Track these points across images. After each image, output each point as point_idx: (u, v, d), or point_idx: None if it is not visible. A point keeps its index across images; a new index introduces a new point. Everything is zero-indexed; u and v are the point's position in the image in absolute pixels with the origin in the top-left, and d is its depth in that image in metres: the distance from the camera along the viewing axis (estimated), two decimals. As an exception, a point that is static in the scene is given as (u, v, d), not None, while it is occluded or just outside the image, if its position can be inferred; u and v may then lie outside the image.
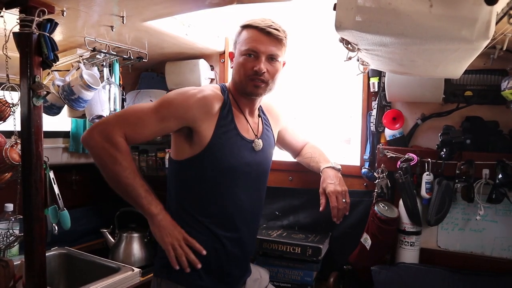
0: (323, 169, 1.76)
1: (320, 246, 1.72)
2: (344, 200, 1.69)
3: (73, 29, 1.67)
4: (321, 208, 1.71)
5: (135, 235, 2.14)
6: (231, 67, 1.50)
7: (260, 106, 1.61)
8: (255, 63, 1.40)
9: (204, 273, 1.43)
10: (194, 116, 1.39)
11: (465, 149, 1.60)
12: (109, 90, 2.00)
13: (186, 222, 1.45)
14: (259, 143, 1.51)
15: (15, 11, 1.34)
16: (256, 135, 1.53)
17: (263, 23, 1.39)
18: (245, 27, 1.43)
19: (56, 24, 1.42)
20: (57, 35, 1.68)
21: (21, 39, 1.35)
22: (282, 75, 1.50)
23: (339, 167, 1.78)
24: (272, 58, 1.42)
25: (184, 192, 1.47)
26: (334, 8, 0.99)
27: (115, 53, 1.87)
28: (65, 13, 1.43)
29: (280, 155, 1.96)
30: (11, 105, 1.54)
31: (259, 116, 1.58)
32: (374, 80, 1.81)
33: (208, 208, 1.45)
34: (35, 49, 1.36)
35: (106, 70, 1.98)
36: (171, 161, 1.53)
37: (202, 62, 2.23)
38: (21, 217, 1.56)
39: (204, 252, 1.42)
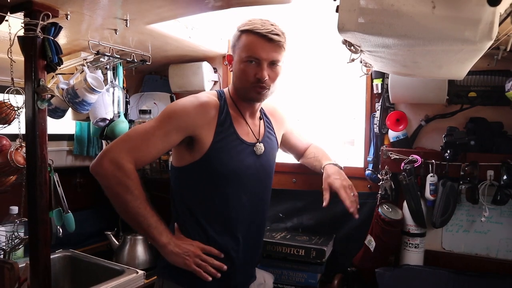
0: (325, 165, 1.75)
1: (324, 248, 1.72)
2: (352, 194, 1.68)
3: (77, 32, 1.68)
4: (324, 203, 1.66)
5: (139, 237, 2.14)
6: (230, 70, 1.48)
7: (263, 109, 1.61)
8: (257, 70, 1.38)
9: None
10: (194, 124, 1.38)
11: (470, 151, 1.59)
12: (113, 93, 2.01)
13: (190, 228, 1.45)
14: (260, 147, 1.50)
15: (20, 15, 1.35)
16: (257, 139, 1.52)
17: (264, 28, 1.36)
18: (245, 31, 1.39)
19: (60, 27, 1.43)
20: (61, 39, 1.69)
21: (25, 42, 1.36)
22: (283, 77, 1.49)
23: (341, 165, 1.77)
24: (273, 64, 1.40)
25: (186, 198, 1.47)
26: (337, 10, 0.99)
27: (118, 56, 1.88)
28: (69, 16, 1.44)
29: (283, 157, 1.96)
30: (16, 109, 1.55)
31: (260, 118, 1.57)
32: (377, 82, 1.81)
33: (211, 213, 1.45)
34: (40, 53, 1.37)
35: (110, 73, 1.99)
36: (172, 167, 1.53)
37: (205, 65, 2.24)
38: (26, 219, 1.57)
39: (222, 255, 1.43)
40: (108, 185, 1.33)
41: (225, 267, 1.42)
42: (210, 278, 1.40)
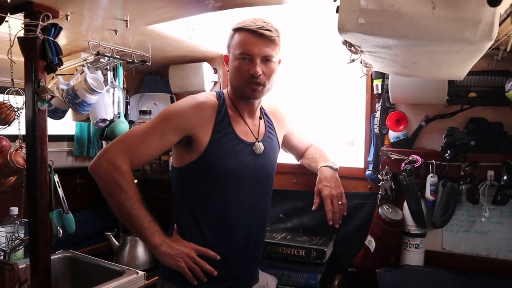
0: (320, 168, 1.77)
1: (325, 248, 1.71)
2: (340, 203, 1.71)
3: (77, 33, 1.68)
4: (313, 207, 1.75)
5: (140, 238, 2.15)
6: (227, 71, 1.49)
7: (263, 109, 1.61)
8: (250, 66, 1.39)
9: (207, 278, 1.43)
10: (191, 124, 1.39)
11: (470, 151, 1.59)
12: (113, 94, 2.01)
13: (189, 228, 1.45)
14: (259, 146, 1.50)
15: (20, 16, 1.35)
16: (256, 138, 1.52)
17: (255, 25, 1.38)
18: (237, 30, 1.42)
19: (61, 28, 1.43)
20: (61, 39, 1.69)
21: (25, 43, 1.37)
22: (279, 73, 1.49)
23: (337, 167, 1.78)
24: (266, 60, 1.40)
25: (186, 199, 1.47)
26: (337, 11, 0.99)
27: (119, 56, 1.87)
28: (69, 17, 1.44)
29: (284, 157, 1.96)
30: (16, 109, 1.55)
31: (261, 118, 1.57)
32: (377, 82, 1.81)
33: (210, 213, 1.45)
34: (40, 54, 1.37)
35: (110, 74, 1.99)
36: (172, 168, 1.53)
37: (205, 65, 2.24)
38: (26, 220, 1.57)
39: (219, 257, 1.43)
40: (104, 184, 1.35)
41: (216, 272, 1.42)
42: (196, 282, 1.40)
